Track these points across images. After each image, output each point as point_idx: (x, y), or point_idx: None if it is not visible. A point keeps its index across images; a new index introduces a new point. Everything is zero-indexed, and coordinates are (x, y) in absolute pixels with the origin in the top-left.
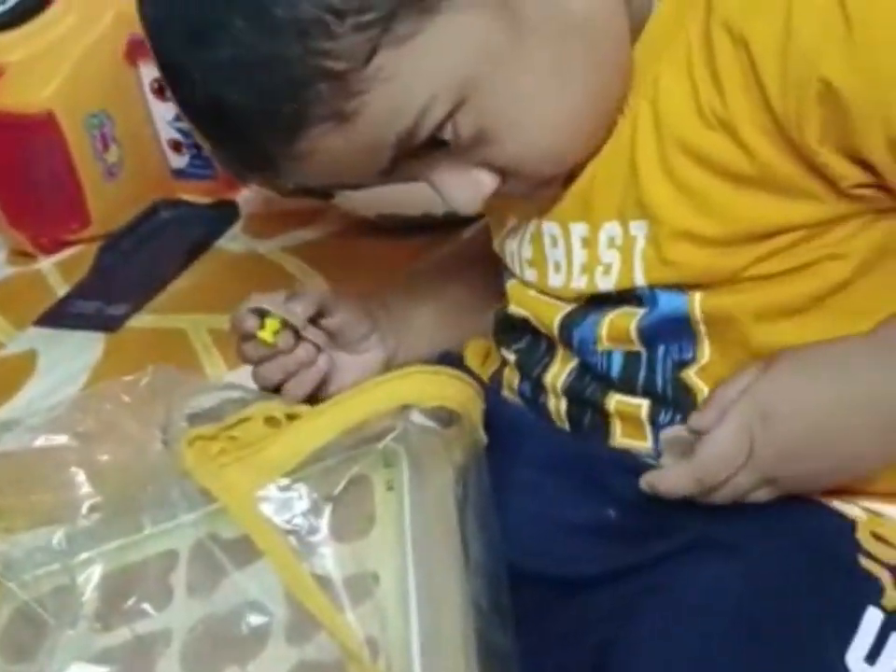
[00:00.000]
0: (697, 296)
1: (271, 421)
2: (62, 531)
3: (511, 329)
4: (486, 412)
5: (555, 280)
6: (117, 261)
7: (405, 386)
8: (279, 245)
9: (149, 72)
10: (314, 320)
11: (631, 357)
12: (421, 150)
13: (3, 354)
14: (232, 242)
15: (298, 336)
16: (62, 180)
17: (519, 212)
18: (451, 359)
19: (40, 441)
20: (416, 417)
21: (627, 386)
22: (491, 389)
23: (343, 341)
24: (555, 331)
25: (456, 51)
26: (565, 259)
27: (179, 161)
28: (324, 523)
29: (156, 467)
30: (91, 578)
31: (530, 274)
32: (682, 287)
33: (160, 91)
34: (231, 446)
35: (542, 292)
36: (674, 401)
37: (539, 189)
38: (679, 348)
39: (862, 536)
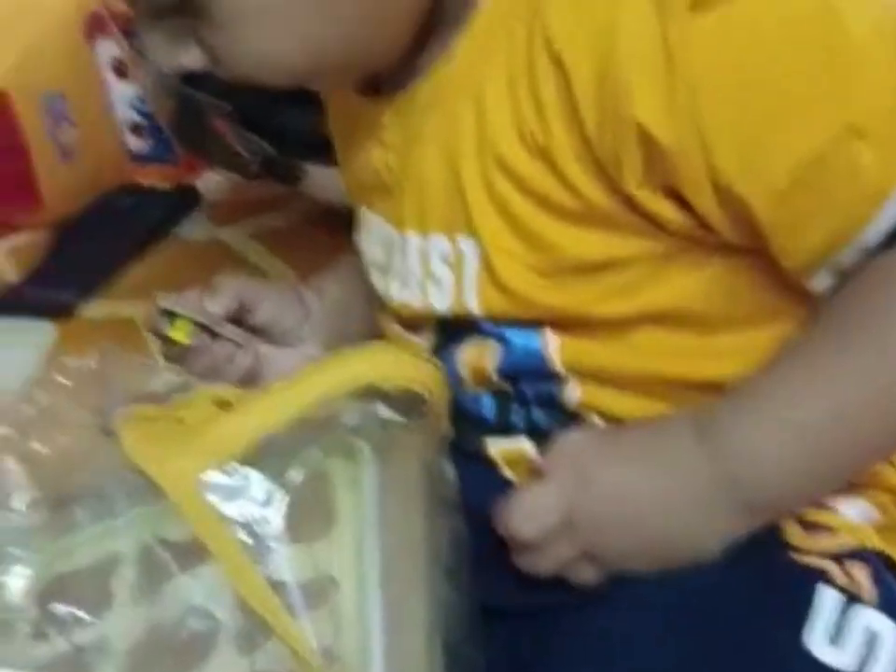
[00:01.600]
0: (548, 333)
1: (221, 404)
2: None
3: None
4: None
5: (396, 291)
6: (70, 247)
7: (367, 364)
8: (242, 232)
9: (108, 50)
10: (237, 314)
11: (502, 398)
12: None
13: None
14: (192, 228)
15: (215, 334)
16: (13, 161)
17: (368, 207)
18: None
19: None
20: (382, 410)
21: (504, 429)
22: None
23: (272, 334)
24: None
25: None
26: (403, 270)
27: (138, 144)
28: (277, 514)
29: (96, 456)
30: (22, 582)
31: (378, 281)
32: (529, 324)
33: (119, 71)
34: (176, 428)
35: (405, 325)
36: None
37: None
38: (546, 386)
39: (790, 532)
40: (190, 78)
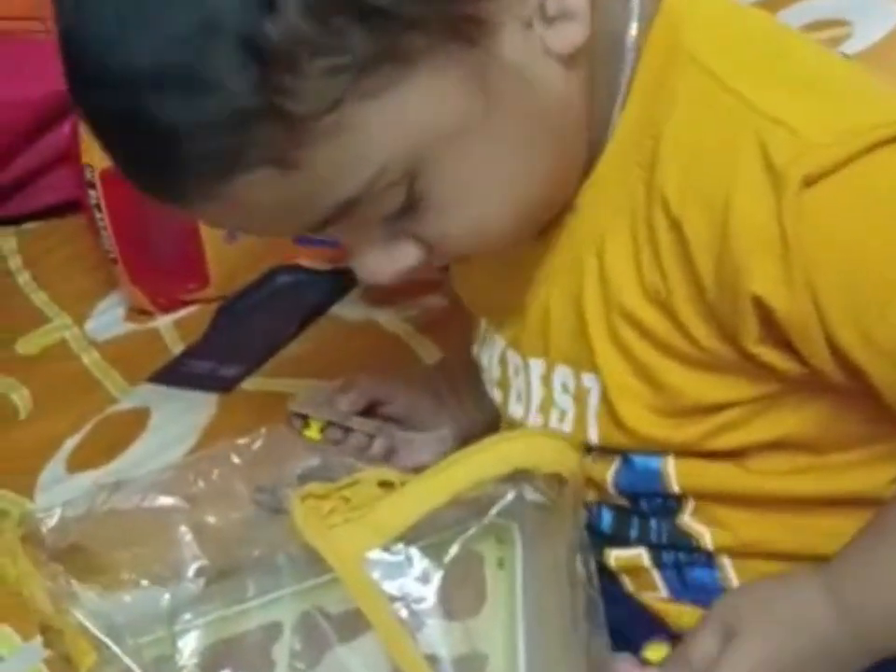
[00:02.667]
0: (671, 460)
1: (385, 484)
2: (167, 596)
3: None
4: None
5: (516, 410)
6: (233, 323)
7: (521, 449)
8: (396, 313)
9: None
10: (372, 407)
11: (620, 513)
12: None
13: (116, 409)
14: (349, 309)
15: (347, 427)
16: (184, 240)
17: (488, 323)
18: None
19: (150, 502)
20: (528, 492)
21: (621, 541)
22: None
23: (408, 423)
24: None
25: (424, 115)
26: (524, 391)
27: None
28: (433, 591)
29: (264, 531)
30: (192, 646)
31: (496, 395)
32: (649, 453)
33: None
34: (343, 507)
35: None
36: (672, 545)
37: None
38: (662, 501)
39: None
40: None
